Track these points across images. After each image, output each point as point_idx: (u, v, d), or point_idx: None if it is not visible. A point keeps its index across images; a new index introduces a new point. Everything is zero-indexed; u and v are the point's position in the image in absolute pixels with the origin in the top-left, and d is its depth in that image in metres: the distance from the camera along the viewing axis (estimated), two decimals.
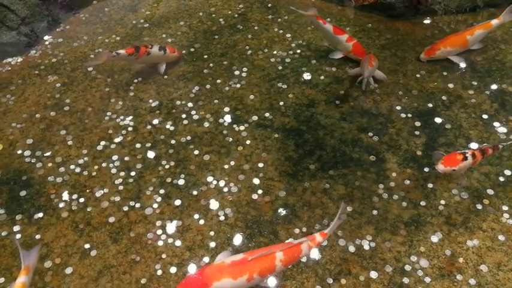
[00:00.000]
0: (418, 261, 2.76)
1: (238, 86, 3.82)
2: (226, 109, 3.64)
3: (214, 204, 3.05)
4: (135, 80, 3.90)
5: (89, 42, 4.29)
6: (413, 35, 4.22)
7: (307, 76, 3.86)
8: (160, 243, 2.88)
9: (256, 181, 3.16)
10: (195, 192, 3.12)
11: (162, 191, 3.13)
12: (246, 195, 3.10)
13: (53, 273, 2.76)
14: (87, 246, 2.88)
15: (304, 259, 2.75)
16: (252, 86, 3.82)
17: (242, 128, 3.50)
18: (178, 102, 3.71)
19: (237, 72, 3.93)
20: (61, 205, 3.08)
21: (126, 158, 3.33)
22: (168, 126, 3.53)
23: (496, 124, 3.46)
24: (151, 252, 2.84)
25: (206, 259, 2.78)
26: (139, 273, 2.75)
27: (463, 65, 3.87)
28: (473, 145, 3.31)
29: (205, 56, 4.09)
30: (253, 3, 4.63)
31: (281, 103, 3.67)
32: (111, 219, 3.00)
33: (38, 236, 2.92)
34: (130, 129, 3.53)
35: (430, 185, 3.12)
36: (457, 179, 3.10)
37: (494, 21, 3.88)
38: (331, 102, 3.67)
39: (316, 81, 3.82)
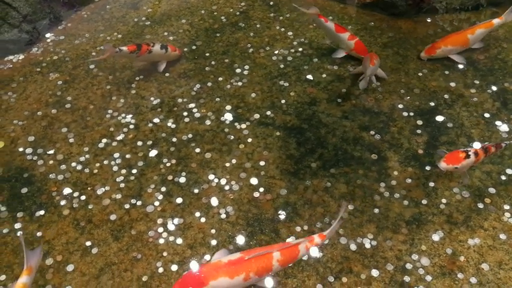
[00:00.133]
0: (419, 260, 2.76)
1: (239, 84, 3.82)
2: (228, 107, 3.64)
3: (215, 202, 3.05)
4: (137, 78, 3.90)
5: (91, 40, 4.29)
6: (416, 33, 4.21)
7: (308, 74, 3.86)
8: (161, 241, 2.88)
9: (257, 179, 3.16)
10: (196, 190, 3.12)
11: (163, 189, 3.13)
12: (247, 193, 3.10)
13: (54, 271, 2.76)
14: (88, 243, 2.88)
15: (305, 257, 2.75)
16: (253, 84, 3.81)
17: (244, 126, 3.50)
18: (179, 100, 3.70)
19: (238, 70, 3.93)
20: (62, 202, 3.08)
21: (128, 156, 3.34)
22: (169, 124, 3.53)
23: (498, 123, 3.46)
24: (153, 250, 2.84)
25: (207, 257, 2.78)
26: (141, 271, 2.75)
27: (463, 64, 3.86)
28: (476, 144, 3.30)
29: (207, 54, 4.09)
30: (255, 1, 4.63)
31: (283, 101, 3.66)
32: (113, 217, 3.00)
33: (39, 234, 2.93)
34: (131, 127, 3.53)
35: (432, 184, 3.12)
36: (459, 177, 3.10)
37: (496, 21, 3.86)
38: (333, 100, 3.66)
39: (317, 80, 3.82)
